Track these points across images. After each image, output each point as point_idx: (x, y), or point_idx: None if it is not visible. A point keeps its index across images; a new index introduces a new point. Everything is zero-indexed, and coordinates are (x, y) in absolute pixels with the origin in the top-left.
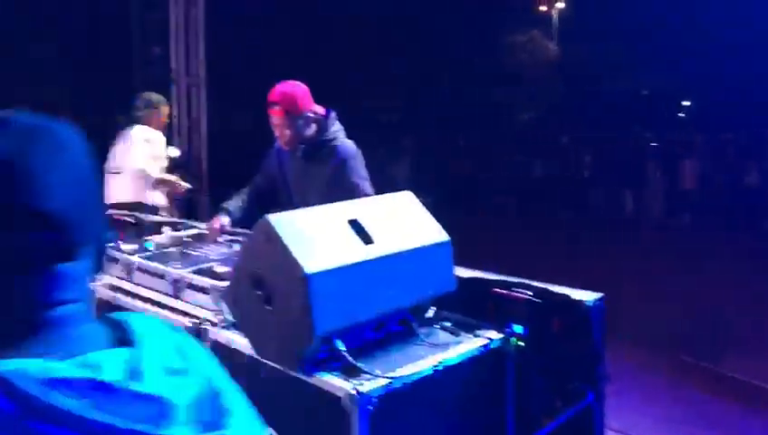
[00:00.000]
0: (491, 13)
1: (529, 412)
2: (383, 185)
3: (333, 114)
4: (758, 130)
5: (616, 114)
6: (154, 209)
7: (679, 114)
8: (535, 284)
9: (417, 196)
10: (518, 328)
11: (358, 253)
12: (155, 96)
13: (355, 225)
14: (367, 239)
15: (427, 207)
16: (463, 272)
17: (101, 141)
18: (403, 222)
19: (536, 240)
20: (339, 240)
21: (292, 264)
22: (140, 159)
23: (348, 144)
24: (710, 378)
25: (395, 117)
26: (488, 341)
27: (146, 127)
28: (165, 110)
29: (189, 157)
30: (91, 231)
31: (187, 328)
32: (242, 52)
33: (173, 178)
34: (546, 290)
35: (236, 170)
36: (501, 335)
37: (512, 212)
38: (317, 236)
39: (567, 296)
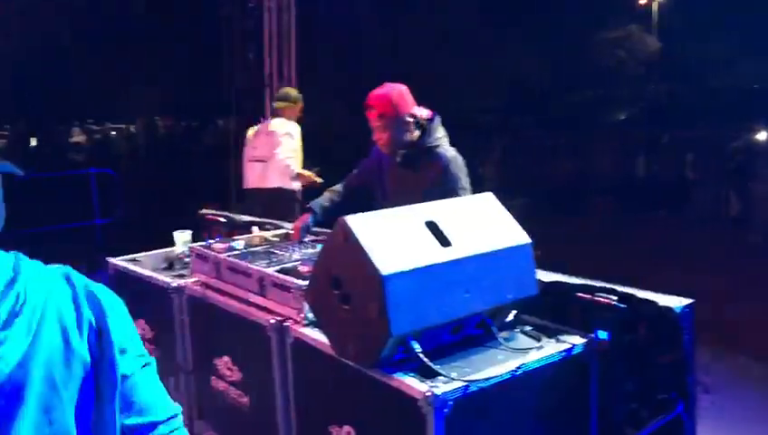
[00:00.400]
0: (588, 8)
1: (613, 422)
2: (479, 186)
3: (438, 119)
4: None
5: (721, 111)
6: (292, 196)
7: None
8: (620, 289)
9: (514, 197)
10: (602, 334)
11: (435, 255)
12: (294, 92)
13: (432, 227)
14: (444, 241)
15: (523, 209)
16: (546, 276)
17: (198, 141)
18: (483, 224)
19: (636, 241)
20: (416, 242)
21: (369, 265)
22: (285, 152)
23: (451, 152)
24: None
25: (493, 117)
26: (571, 346)
27: (285, 120)
28: (301, 105)
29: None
30: None
31: (270, 325)
32: (333, 54)
33: (310, 173)
34: (632, 295)
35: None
36: (584, 341)
37: (612, 212)
38: (394, 238)
39: (654, 302)
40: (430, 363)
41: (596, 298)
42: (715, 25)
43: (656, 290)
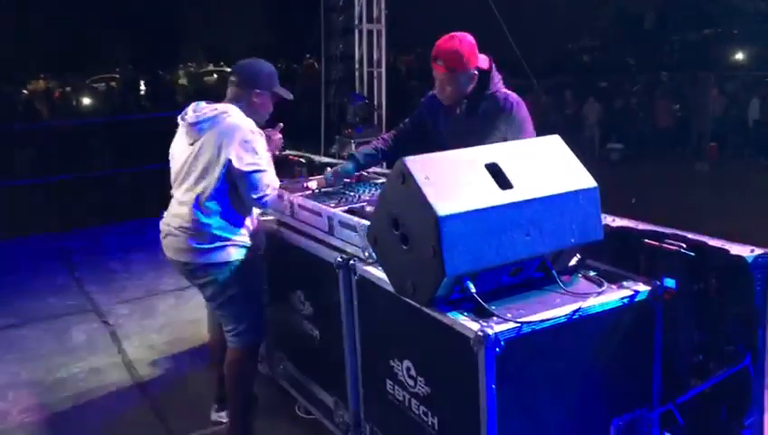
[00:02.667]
0: None
1: (677, 372)
2: (574, 129)
3: (493, 65)
4: None
5: None
6: None
7: None
8: (690, 236)
9: (612, 141)
10: (669, 282)
11: (494, 197)
12: None
13: (493, 169)
14: (505, 184)
15: (619, 154)
16: (614, 221)
17: (292, 82)
18: (547, 167)
19: (736, 188)
20: (474, 184)
21: (426, 206)
22: None
23: (512, 96)
24: None
25: (595, 57)
26: (634, 293)
27: None
28: None
29: (371, 100)
30: None
31: (337, 262)
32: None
33: None
34: (702, 243)
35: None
36: (649, 288)
37: (717, 157)
38: (452, 180)
39: (725, 250)
40: (484, 304)
41: (664, 245)
42: None
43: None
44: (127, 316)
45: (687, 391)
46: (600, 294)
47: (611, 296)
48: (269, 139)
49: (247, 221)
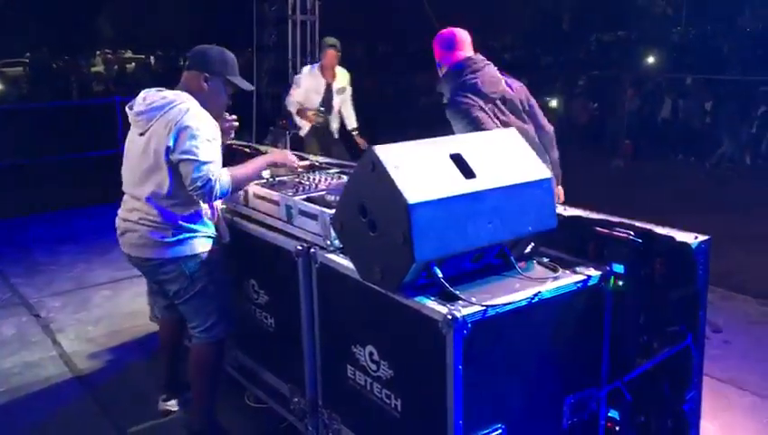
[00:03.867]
0: None
1: (625, 352)
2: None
3: (454, 71)
4: None
5: (752, 55)
6: None
7: None
8: (638, 224)
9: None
10: (618, 267)
11: (459, 186)
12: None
13: (457, 159)
14: (468, 173)
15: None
16: (565, 210)
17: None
18: (506, 158)
19: (652, 184)
20: (441, 173)
21: (396, 194)
22: None
23: (455, 98)
24: None
25: (513, 55)
26: (586, 277)
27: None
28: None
29: None
30: None
31: (297, 251)
32: None
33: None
34: (649, 231)
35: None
36: (599, 273)
37: (632, 155)
38: (420, 169)
39: (671, 238)
40: (452, 289)
41: (614, 232)
42: None
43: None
44: (59, 309)
45: (634, 369)
46: (555, 278)
47: (566, 281)
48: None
49: (208, 211)
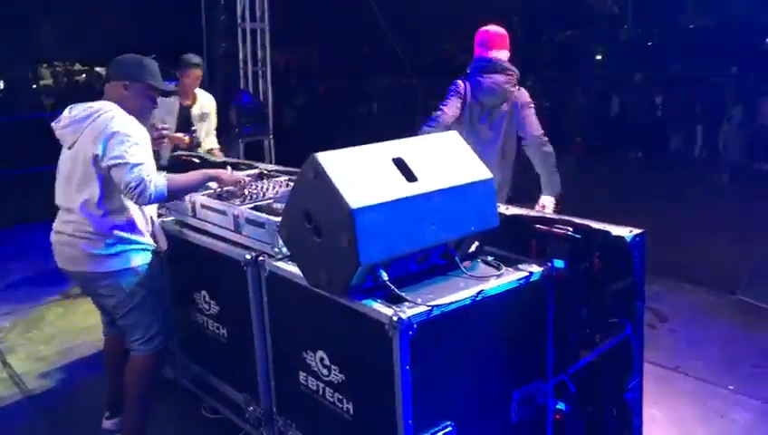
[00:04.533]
0: None
1: (569, 344)
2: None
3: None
4: None
5: (697, 52)
6: None
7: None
8: (577, 220)
9: None
10: (559, 263)
11: (401, 189)
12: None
13: (399, 163)
14: (410, 177)
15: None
16: (507, 209)
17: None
18: (447, 160)
19: (604, 182)
20: (383, 177)
21: (339, 200)
22: None
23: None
24: (765, 318)
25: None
26: (528, 274)
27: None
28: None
29: (256, 99)
30: None
31: (246, 260)
32: None
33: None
34: (586, 226)
35: (301, 114)
36: (541, 269)
37: (583, 152)
38: (362, 174)
39: (607, 232)
40: (397, 291)
41: (553, 229)
42: None
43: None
44: (9, 329)
45: (578, 361)
46: (499, 276)
47: (509, 278)
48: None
49: (143, 221)
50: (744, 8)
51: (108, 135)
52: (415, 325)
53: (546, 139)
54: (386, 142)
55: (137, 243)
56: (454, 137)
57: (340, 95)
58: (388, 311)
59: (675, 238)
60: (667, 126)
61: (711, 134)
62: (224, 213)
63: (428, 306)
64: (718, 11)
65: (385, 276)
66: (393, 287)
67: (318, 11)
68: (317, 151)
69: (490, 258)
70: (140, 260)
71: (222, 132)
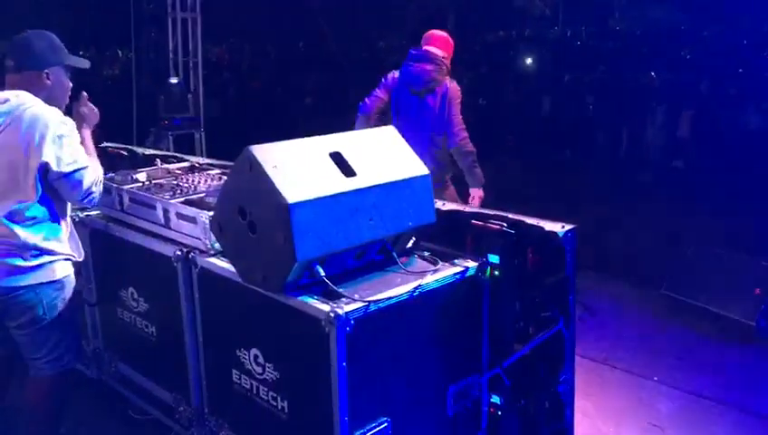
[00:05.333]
0: None
1: (503, 338)
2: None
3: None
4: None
5: (621, 54)
6: None
7: (685, 55)
8: (511, 216)
9: None
10: (494, 258)
11: (339, 184)
12: None
13: (337, 157)
14: (348, 172)
15: None
16: (444, 205)
17: (99, 77)
18: (385, 156)
19: (534, 180)
20: (320, 172)
21: (275, 194)
22: None
23: None
24: (690, 312)
25: (400, 57)
26: (464, 269)
27: None
28: None
29: (186, 91)
30: None
31: (176, 256)
32: None
33: None
34: (520, 222)
35: (232, 107)
36: (476, 264)
37: (513, 152)
38: (299, 168)
39: (540, 228)
40: (334, 286)
41: (488, 225)
42: None
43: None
44: None
45: (512, 355)
46: (435, 271)
47: (446, 273)
48: (82, 117)
49: (67, 228)
50: (668, 15)
51: (51, 139)
52: (352, 321)
53: (465, 137)
54: (324, 136)
55: (60, 253)
56: (391, 132)
57: (273, 90)
58: (324, 307)
59: (602, 236)
60: (596, 125)
61: (636, 135)
62: (153, 207)
63: (365, 302)
64: (643, 17)
65: (322, 272)
66: (330, 283)
67: (253, 3)
68: (248, 145)
69: (427, 254)
70: (64, 272)
71: (150, 124)
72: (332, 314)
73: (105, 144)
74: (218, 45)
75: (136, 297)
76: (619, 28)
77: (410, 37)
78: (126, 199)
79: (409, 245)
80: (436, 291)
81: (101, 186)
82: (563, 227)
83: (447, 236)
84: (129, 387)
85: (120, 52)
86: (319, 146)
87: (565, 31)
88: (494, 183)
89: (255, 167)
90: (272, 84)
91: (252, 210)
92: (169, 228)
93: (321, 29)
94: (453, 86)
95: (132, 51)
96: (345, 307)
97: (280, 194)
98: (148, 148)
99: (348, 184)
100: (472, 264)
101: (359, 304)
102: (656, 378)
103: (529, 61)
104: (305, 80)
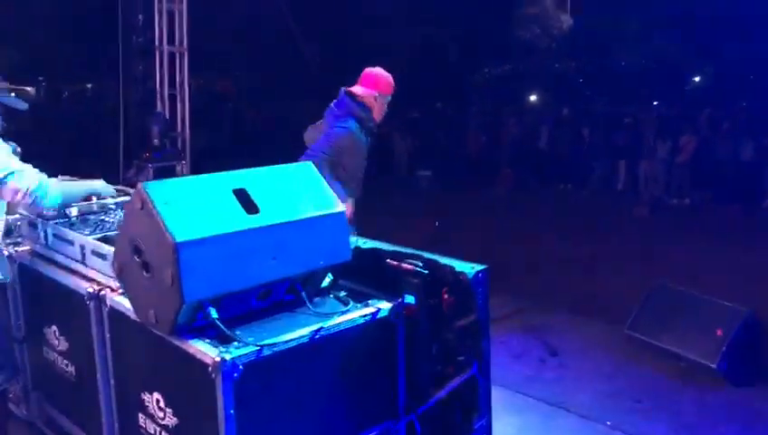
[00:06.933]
0: None
1: (420, 383)
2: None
3: None
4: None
5: (623, 87)
6: None
7: (687, 88)
8: (427, 255)
9: (421, 169)
10: (410, 298)
11: (238, 222)
12: None
13: (241, 194)
14: (251, 209)
15: (427, 181)
16: (365, 243)
17: (93, 107)
18: (297, 192)
19: (529, 212)
20: (219, 209)
21: (164, 232)
22: None
23: None
24: (652, 352)
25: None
26: (376, 310)
27: None
28: None
29: (172, 125)
30: None
31: (88, 294)
32: (227, 20)
33: None
34: (434, 261)
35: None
36: (390, 305)
37: (511, 183)
38: (196, 205)
39: (451, 268)
40: (225, 329)
41: (402, 264)
42: (628, 4)
43: (544, 257)
44: None
45: (428, 400)
46: (344, 313)
47: (354, 315)
48: None
49: None
50: (670, 50)
51: None
52: (240, 367)
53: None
54: (233, 172)
55: None
56: (308, 168)
57: (263, 121)
58: (212, 351)
59: (588, 269)
60: (590, 158)
61: (634, 168)
62: (71, 243)
63: (257, 346)
64: (648, 51)
65: (214, 315)
66: (222, 326)
67: (237, 37)
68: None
69: (342, 293)
70: None
71: (133, 156)
72: (218, 359)
73: (60, 177)
74: (206, 77)
75: (57, 335)
76: (624, 63)
77: (414, 66)
78: (50, 234)
79: (326, 284)
80: (343, 333)
81: (48, 187)
82: (473, 267)
83: (368, 276)
84: (56, 429)
85: (107, 83)
86: (224, 182)
87: (569, 64)
88: (487, 216)
89: (146, 204)
90: (263, 116)
91: (145, 249)
92: (86, 265)
93: (317, 59)
94: (340, 131)
95: (120, 82)
96: (234, 351)
97: (167, 232)
98: (131, 180)
99: (249, 222)
100: (385, 305)
101: (250, 348)
102: (608, 423)
103: (532, 94)
104: (295, 110)
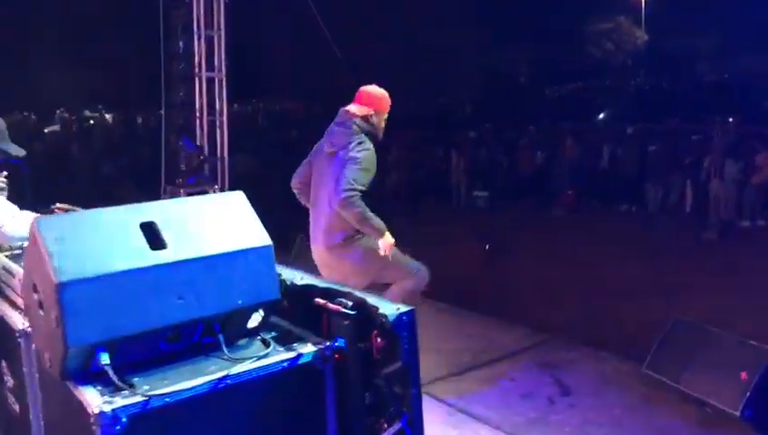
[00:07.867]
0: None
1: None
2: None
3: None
4: None
5: (696, 103)
6: None
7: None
8: (357, 294)
9: (478, 189)
10: (341, 341)
11: (138, 259)
12: None
13: (148, 228)
14: (157, 244)
15: (483, 202)
16: (302, 279)
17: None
18: (219, 225)
19: (588, 233)
20: (120, 245)
21: (48, 270)
22: None
23: None
24: (670, 393)
25: (464, 110)
26: (298, 355)
27: None
28: None
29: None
30: None
31: (19, 330)
32: (265, 45)
33: None
34: (362, 301)
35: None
36: (315, 350)
37: (572, 205)
38: (94, 241)
39: (375, 308)
40: (113, 376)
41: (328, 305)
42: (703, 20)
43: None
44: None
45: None
46: (261, 358)
47: (271, 360)
48: None
49: None
50: (753, 64)
51: None
52: (124, 419)
53: (346, 199)
54: (146, 203)
55: None
56: (238, 198)
57: (301, 146)
58: (96, 401)
59: (641, 297)
60: (655, 179)
61: (703, 189)
62: (14, 275)
63: (146, 396)
64: (731, 66)
65: (105, 360)
66: (111, 373)
67: (280, 61)
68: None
69: (271, 335)
70: None
71: (167, 181)
72: (97, 411)
73: (57, 205)
74: (245, 103)
75: (6, 371)
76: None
77: (481, 93)
78: (1, 268)
79: (253, 324)
80: (256, 381)
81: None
82: (398, 308)
83: (303, 316)
84: None
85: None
86: (132, 215)
87: (645, 81)
88: (548, 238)
89: (37, 240)
90: (301, 141)
91: (39, 286)
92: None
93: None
94: (356, 147)
95: (162, 108)
96: (118, 401)
97: (52, 270)
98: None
99: (151, 258)
100: (309, 349)
101: (136, 398)
102: None
103: (600, 112)
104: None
